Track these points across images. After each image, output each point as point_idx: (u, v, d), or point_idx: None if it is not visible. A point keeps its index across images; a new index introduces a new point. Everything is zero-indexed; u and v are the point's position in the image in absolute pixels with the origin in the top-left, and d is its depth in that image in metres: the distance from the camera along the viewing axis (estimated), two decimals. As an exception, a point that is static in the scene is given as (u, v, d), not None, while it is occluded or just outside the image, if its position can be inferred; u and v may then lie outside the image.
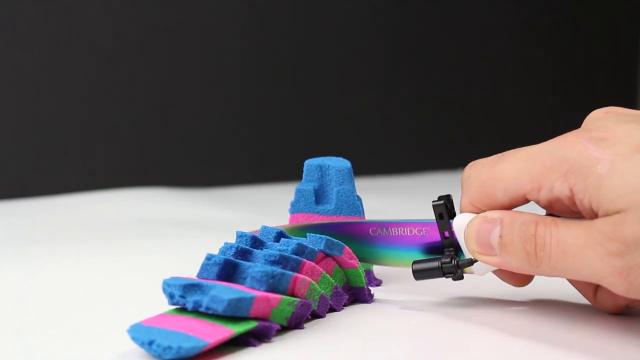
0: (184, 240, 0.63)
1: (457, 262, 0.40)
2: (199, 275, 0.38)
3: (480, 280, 0.47)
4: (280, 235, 0.42)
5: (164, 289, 0.36)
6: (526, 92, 1.34)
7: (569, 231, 0.35)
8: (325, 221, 0.45)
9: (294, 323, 0.37)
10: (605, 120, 0.36)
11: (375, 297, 0.43)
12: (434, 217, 0.41)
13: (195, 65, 1.02)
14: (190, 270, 0.40)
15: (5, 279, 0.49)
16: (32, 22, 0.90)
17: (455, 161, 1.21)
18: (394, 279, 0.48)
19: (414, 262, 0.41)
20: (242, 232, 0.41)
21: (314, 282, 0.39)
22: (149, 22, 0.98)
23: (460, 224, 0.40)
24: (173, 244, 0.61)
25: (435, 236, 0.41)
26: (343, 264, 0.42)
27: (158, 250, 0.58)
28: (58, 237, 0.66)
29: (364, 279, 0.42)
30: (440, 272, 0.40)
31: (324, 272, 0.40)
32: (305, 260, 0.39)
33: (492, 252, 0.38)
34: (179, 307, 0.36)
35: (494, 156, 0.39)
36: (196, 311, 0.35)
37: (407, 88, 1.22)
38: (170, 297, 0.36)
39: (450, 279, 0.41)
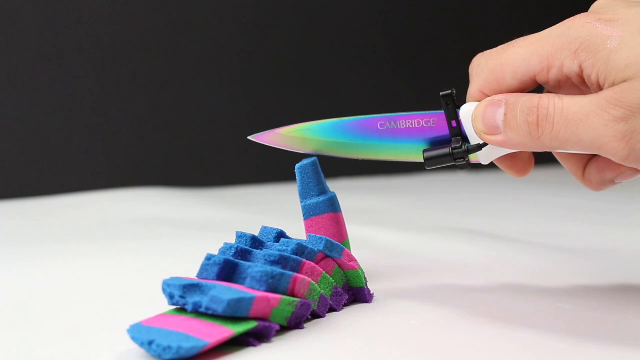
0: (184, 240, 0.63)
1: (467, 147, 0.41)
2: (199, 275, 0.38)
3: (480, 280, 0.47)
4: (280, 235, 0.42)
5: (163, 289, 0.36)
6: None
7: (573, 101, 0.36)
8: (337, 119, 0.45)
9: (294, 323, 0.37)
10: (613, 6, 0.38)
11: (375, 297, 0.43)
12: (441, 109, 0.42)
13: (195, 65, 1.02)
14: (190, 271, 0.40)
15: (6, 278, 0.49)
16: (32, 22, 0.90)
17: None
18: (394, 278, 0.48)
19: (425, 151, 0.42)
20: (242, 233, 0.41)
21: (314, 282, 0.39)
22: (149, 22, 0.98)
23: (467, 111, 0.41)
24: (173, 244, 0.61)
25: (442, 127, 0.42)
26: (343, 265, 0.42)
27: (158, 250, 0.58)
28: (58, 237, 0.66)
29: (364, 279, 0.42)
30: (451, 157, 0.41)
31: (324, 272, 0.40)
32: (305, 260, 0.39)
33: (497, 131, 0.39)
34: (178, 307, 0.36)
35: (503, 45, 0.41)
36: (196, 311, 0.35)
37: (408, 88, 1.22)
38: (170, 297, 0.36)
39: (458, 167, 0.42)
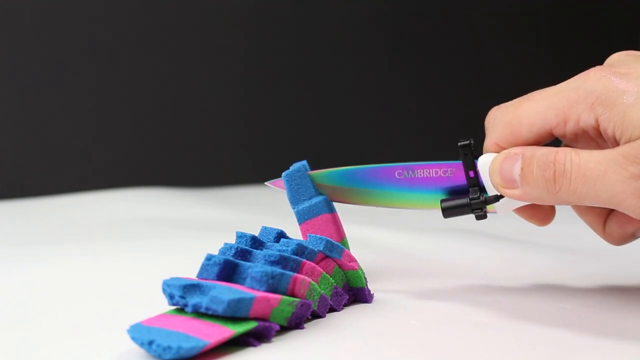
0: (184, 240, 0.63)
1: (485, 198, 0.41)
2: (199, 275, 0.38)
3: (480, 280, 0.47)
4: (280, 235, 0.42)
5: (163, 290, 0.36)
6: (527, 92, 1.34)
7: (591, 157, 0.36)
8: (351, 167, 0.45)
9: (294, 323, 0.37)
10: (627, 60, 0.38)
11: (375, 297, 0.43)
12: (458, 159, 0.42)
13: (195, 65, 1.02)
14: (190, 271, 0.40)
15: (6, 278, 0.49)
16: (32, 22, 0.90)
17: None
18: (394, 278, 0.48)
19: (442, 201, 0.42)
20: (242, 233, 0.41)
21: (314, 283, 0.39)
22: (149, 22, 0.98)
23: (484, 162, 0.41)
24: (173, 244, 0.61)
25: (460, 177, 0.42)
26: (343, 266, 0.42)
27: (158, 250, 0.58)
28: (58, 237, 0.66)
29: (364, 279, 0.42)
30: (469, 208, 0.41)
31: (324, 272, 0.40)
32: (305, 260, 0.39)
33: (515, 185, 0.39)
34: (178, 307, 0.36)
35: (519, 98, 0.40)
36: (196, 312, 0.35)
37: (408, 89, 1.22)
38: (170, 297, 0.36)
39: (476, 217, 0.42)
